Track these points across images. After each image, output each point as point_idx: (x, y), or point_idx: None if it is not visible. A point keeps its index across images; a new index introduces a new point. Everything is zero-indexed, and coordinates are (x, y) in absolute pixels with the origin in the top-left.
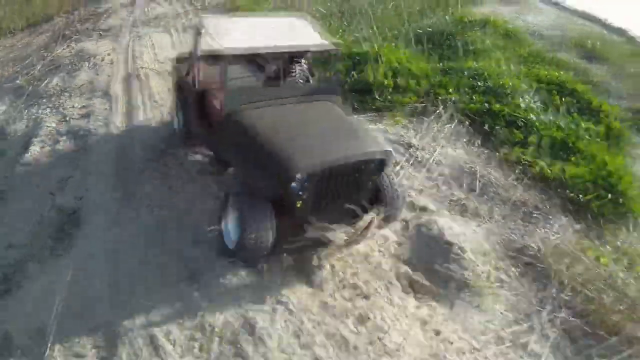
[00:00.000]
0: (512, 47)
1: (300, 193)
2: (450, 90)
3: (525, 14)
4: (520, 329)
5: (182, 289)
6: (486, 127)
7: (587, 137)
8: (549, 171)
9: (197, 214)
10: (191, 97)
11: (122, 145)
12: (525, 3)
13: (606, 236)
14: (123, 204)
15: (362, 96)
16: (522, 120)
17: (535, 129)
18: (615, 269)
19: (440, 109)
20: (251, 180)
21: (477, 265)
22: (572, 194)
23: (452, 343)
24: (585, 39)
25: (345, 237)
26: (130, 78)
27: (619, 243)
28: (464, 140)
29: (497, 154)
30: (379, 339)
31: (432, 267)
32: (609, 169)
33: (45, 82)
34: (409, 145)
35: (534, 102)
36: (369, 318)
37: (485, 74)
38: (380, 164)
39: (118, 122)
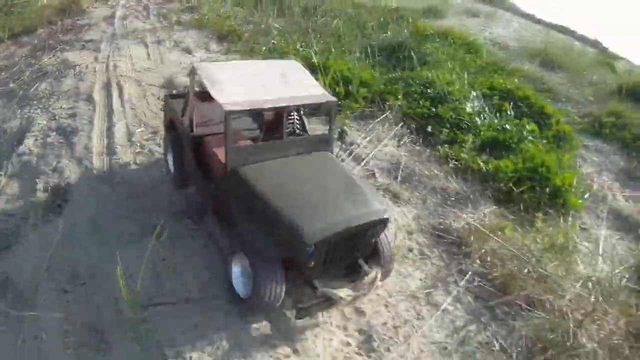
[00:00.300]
0: (471, 58)
1: (312, 256)
2: (399, 96)
3: (493, 26)
4: (434, 291)
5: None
6: (429, 128)
7: (530, 138)
8: (481, 164)
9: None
10: (187, 141)
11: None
12: (493, 15)
13: (536, 223)
14: (99, 182)
15: None
16: (466, 123)
17: (478, 130)
18: (527, 243)
19: (387, 113)
20: (258, 239)
21: (402, 240)
22: (502, 185)
23: (370, 299)
24: (549, 49)
25: (351, 294)
26: (109, 85)
27: (540, 225)
28: (407, 140)
29: (429, 150)
30: None
31: None
32: (546, 165)
33: (35, 86)
34: (352, 144)
35: (482, 107)
36: None
37: (436, 81)
38: (384, 225)
39: (97, 121)
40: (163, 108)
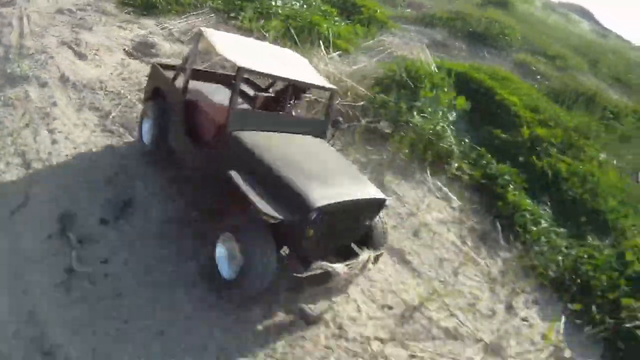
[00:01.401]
0: None
1: (314, 224)
2: None
3: None
4: None
5: None
6: None
7: None
8: None
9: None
10: (177, 107)
11: None
12: None
13: None
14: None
15: None
16: None
17: None
18: None
19: None
20: (271, 206)
21: None
22: None
23: None
24: None
25: (347, 271)
26: (22, 17)
27: None
28: None
29: None
30: None
31: None
32: None
33: None
34: None
35: None
36: None
37: None
38: (379, 207)
39: (14, 30)
40: (149, 76)
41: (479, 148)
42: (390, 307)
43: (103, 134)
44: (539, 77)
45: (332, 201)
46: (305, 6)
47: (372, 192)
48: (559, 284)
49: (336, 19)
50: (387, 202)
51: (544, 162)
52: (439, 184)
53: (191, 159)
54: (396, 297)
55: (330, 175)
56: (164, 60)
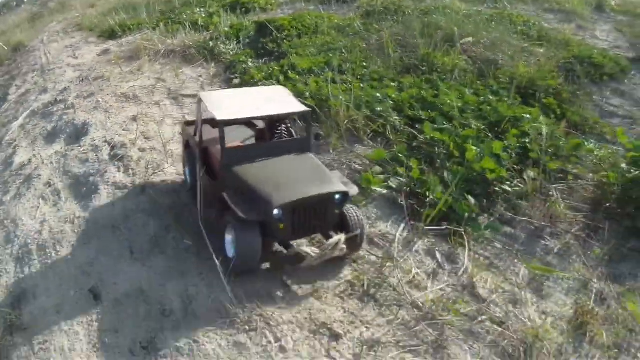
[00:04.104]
0: None
1: (280, 219)
2: None
3: None
4: None
5: None
6: None
7: None
8: None
9: None
10: (198, 152)
11: None
12: None
13: None
14: None
15: None
16: None
17: None
18: None
19: None
20: (243, 209)
21: None
22: None
23: None
24: None
25: (317, 252)
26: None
27: None
28: None
29: None
30: None
31: None
32: None
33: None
34: None
35: None
36: None
37: None
38: (343, 199)
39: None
40: (181, 132)
41: None
42: None
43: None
44: None
45: (291, 199)
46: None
47: (334, 187)
48: None
49: None
50: (350, 194)
51: None
52: None
53: (210, 190)
54: None
55: (298, 180)
56: (190, 118)
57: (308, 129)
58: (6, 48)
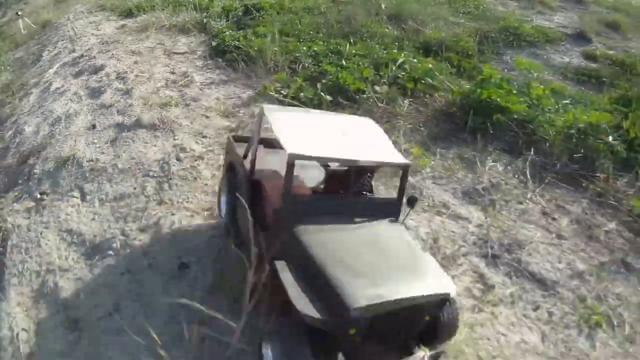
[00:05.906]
0: None
1: (358, 324)
2: None
3: None
4: None
5: None
6: None
7: None
8: None
9: None
10: (244, 186)
11: None
12: None
13: None
14: None
15: None
16: None
17: None
18: None
19: None
20: (305, 304)
21: None
22: None
23: None
24: None
25: None
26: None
27: None
28: None
29: None
30: None
31: None
32: None
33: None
34: None
35: None
36: None
37: None
38: (443, 302)
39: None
40: (225, 148)
41: None
42: None
43: None
44: None
45: (377, 301)
46: None
47: (433, 287)
48: None
49: None
50: (451, 296)
51: None
52: None
53: (254, 241)
54: None
55: (386, 269)
56: (240, 133)
57: (402, 188)
58: (34, 26)
